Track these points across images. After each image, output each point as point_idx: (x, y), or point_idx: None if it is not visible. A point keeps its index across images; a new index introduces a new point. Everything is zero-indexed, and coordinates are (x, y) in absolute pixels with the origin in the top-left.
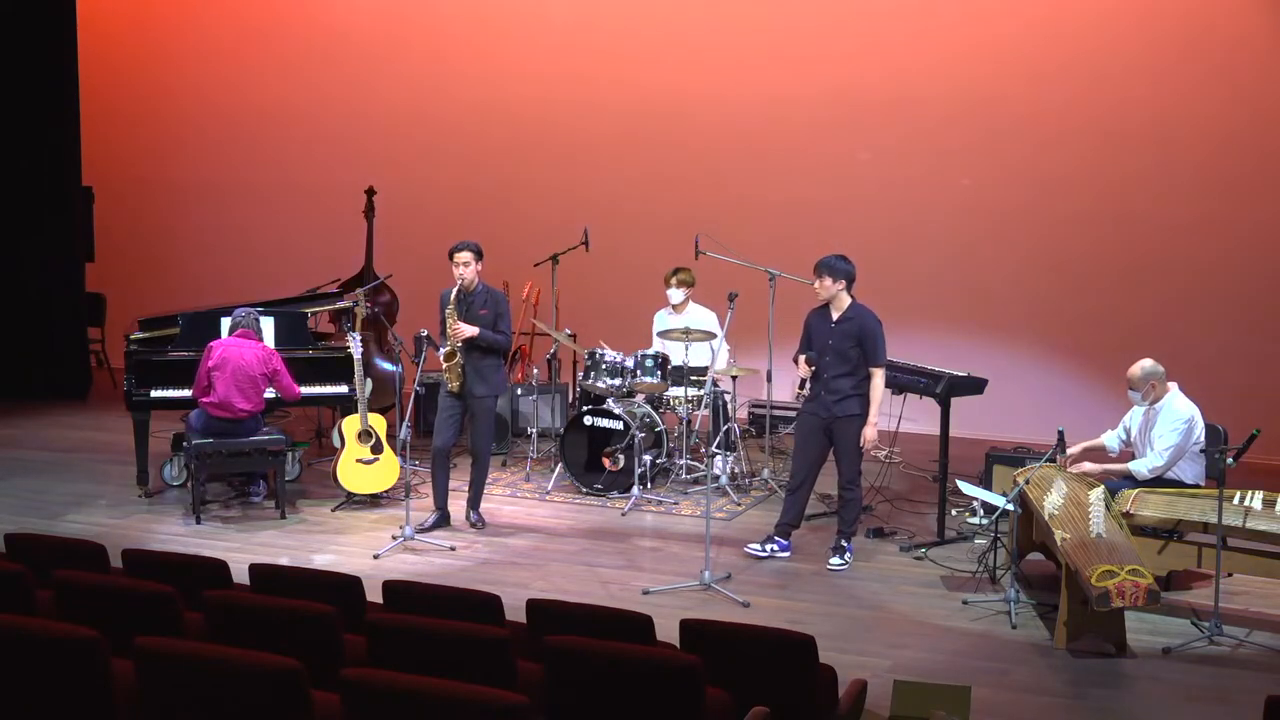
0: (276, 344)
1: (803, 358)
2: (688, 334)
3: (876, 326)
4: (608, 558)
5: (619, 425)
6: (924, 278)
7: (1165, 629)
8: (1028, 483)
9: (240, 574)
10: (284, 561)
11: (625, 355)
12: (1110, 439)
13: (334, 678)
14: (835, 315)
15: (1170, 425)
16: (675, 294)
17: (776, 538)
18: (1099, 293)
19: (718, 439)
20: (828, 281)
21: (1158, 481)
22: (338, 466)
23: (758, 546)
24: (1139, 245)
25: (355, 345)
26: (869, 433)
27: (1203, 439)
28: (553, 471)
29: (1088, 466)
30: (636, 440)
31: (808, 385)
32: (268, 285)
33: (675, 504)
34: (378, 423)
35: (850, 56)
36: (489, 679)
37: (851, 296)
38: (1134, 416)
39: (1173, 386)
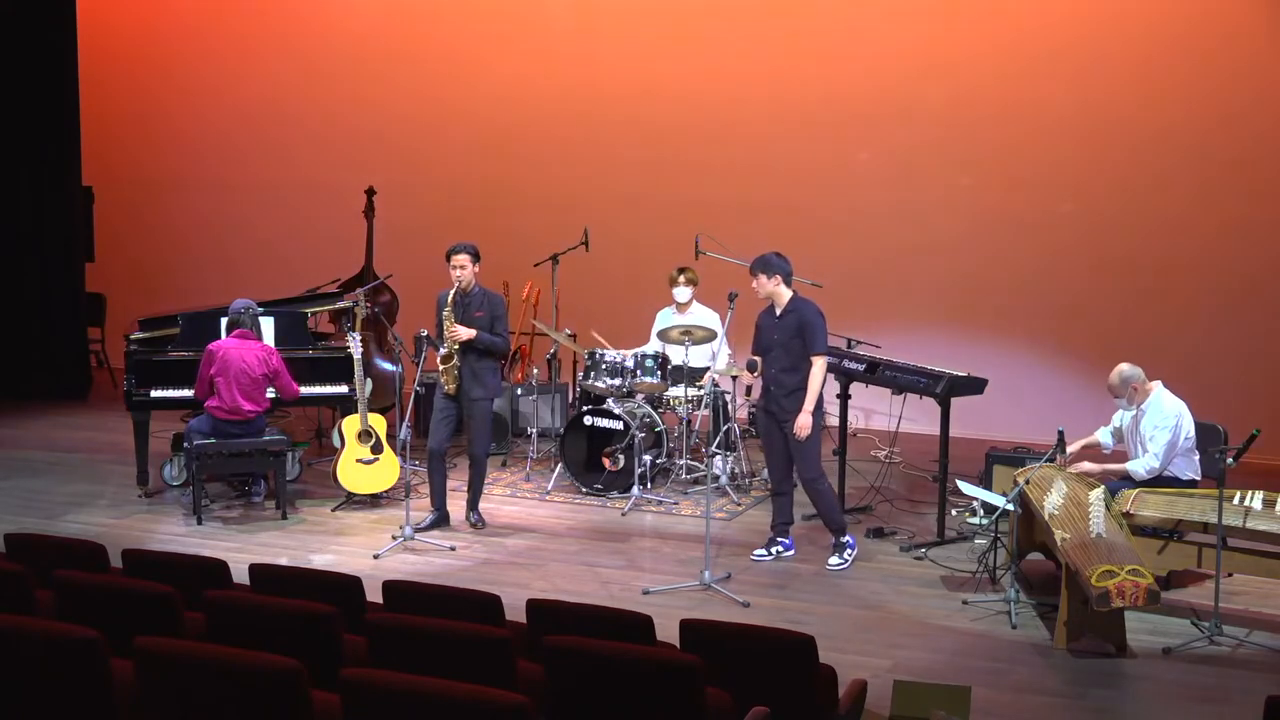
0: (276, 344)
1: (746, 368)
2: (688, 334)
3: (817, 317)
4: (608, 558)
5: (619, 425)
6: (924, 277)
7: (1165, 629)
8: (1028, 483)
9: (240, 574)
10: (284, 561)
11: (625, 355)
12: (1104, 434)
13: (334, 678)
14: (778, 311)
15: (1158, 423)
16: (682, 292)
17: (778, 538)
18: (1099, 292)
19: (718, 439)
20: (763, 278)
21: (1157, 481)
22: (338, 466)
23: (763, 551)
24: (1138, 245)
25: (355, 345)
26: (802, 419)
27: (1193, 433)
28: (553, 471)
29: (1087, 466)
30: (636, 440)
31: (753, 390)
32: (268, 285)
33: (675, 504)
34: (378, 423)
35: (850, 57)
36: (489, 679)
37: (793, 291)
38: (1123, 416)
39: (1157, 384)
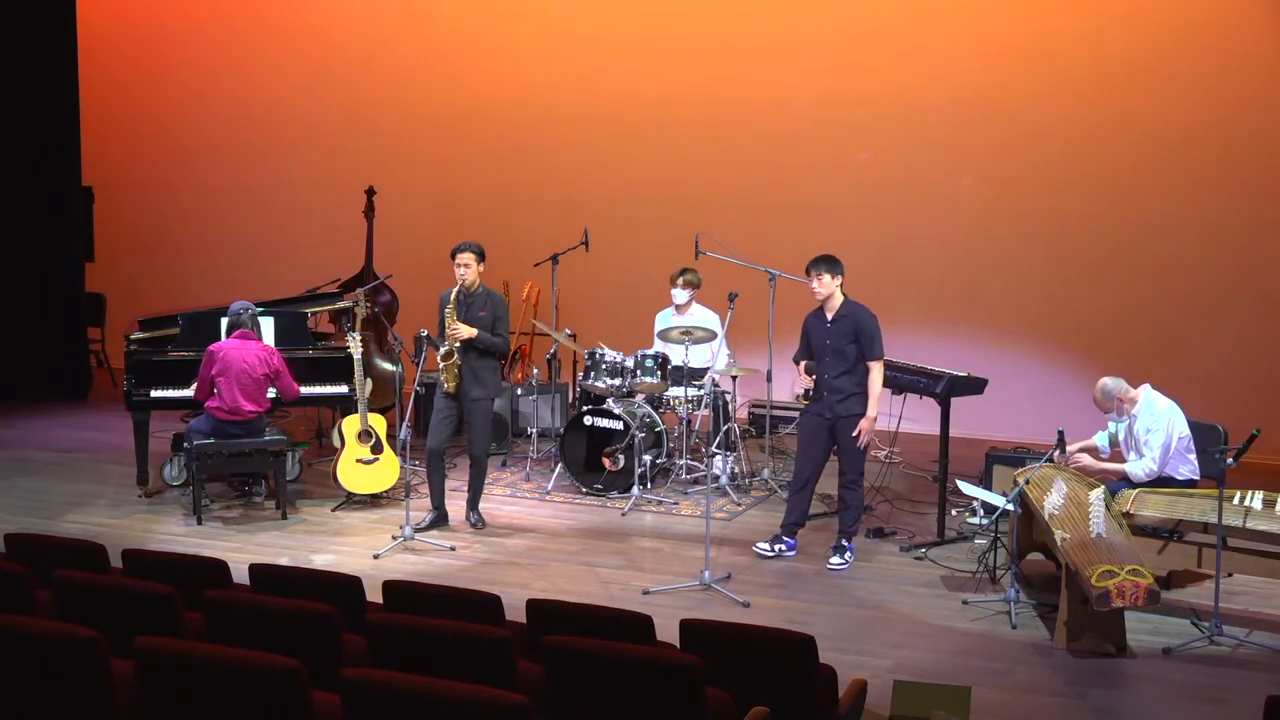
0: (276, 344)
1: (802, 365)
2: (688, 334)
3: (872, 321)
4: (608, 558)
5: (619, 425)
6: (924, 277)
7: (1165, 629)
8: (1028, 483)
9: (240, 574)
10: (284, 561)
11: (625, 355)
12: (1101, 438)
13: (334, 678)
14: (830, 315)
15: (1151, 425)
16: (680, 294)
17: (784, 537)
18: (1099, 293)
19: (718, 439)
20: (826, 278)
21: (1156, 481)
22: (338, 466)
23: (765, 546)
24: (1139, 245)
25: (355, 345)
26: (865, 424)
27: (1186, 433)
28: (553, 471)
29: (1086, 461)
30: (636, 440)
31: (810, 391)
32: (268, 285)
33: (675, 504)
34: (378, 423)
35: (850, 57)
36: (489, 679)
37: (844, 294)
38: (1117, 423)
39: (1145, 388)
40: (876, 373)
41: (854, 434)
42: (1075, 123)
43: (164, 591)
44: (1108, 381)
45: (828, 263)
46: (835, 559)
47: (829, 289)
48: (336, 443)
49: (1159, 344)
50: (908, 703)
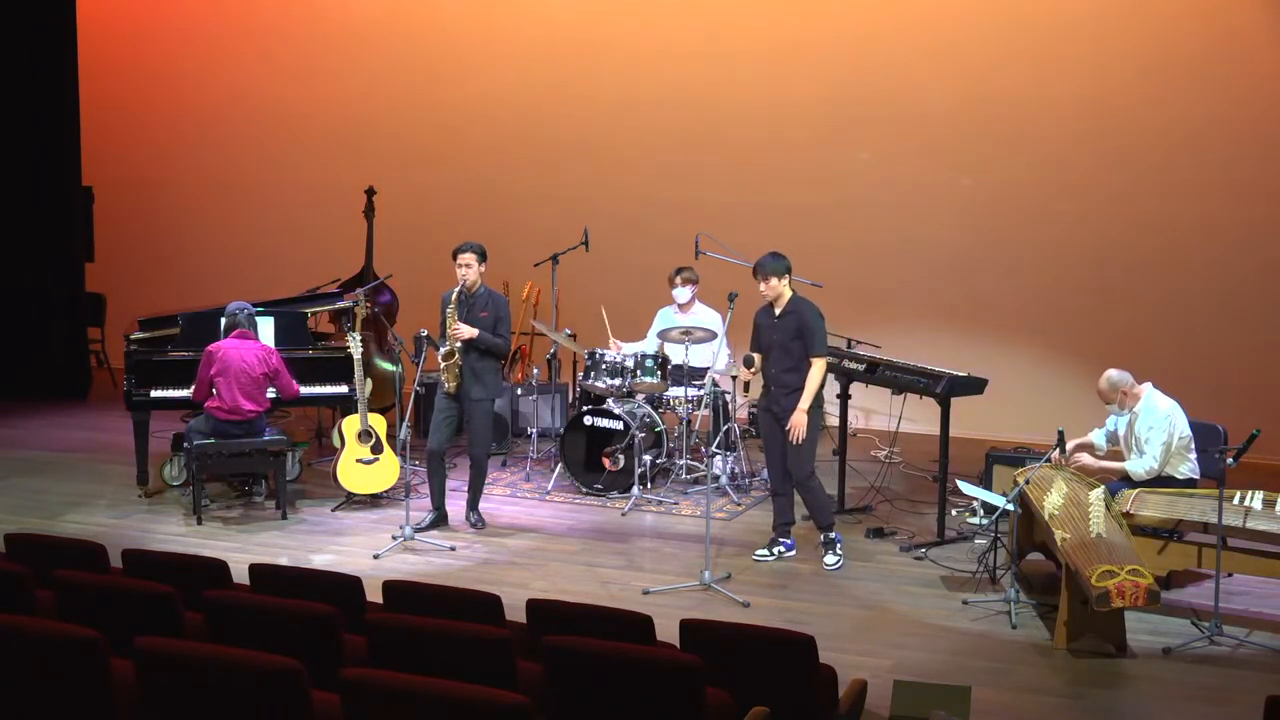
0: (276, 344)
1: (743, 364)
2: (688, 334)
3: (817, 319)
4: (608, 558)
5: (619, 425)
6: (924, 277)
7: (1165, 629)
8: (1028, 483)
9: (240, 574)
10: (284, 561)
11: (625, 355)
12: (1098, 436)
13: (334, 678)
14: (777, 310)
15: (1152, 425)
16: (682, 293)
17: (780, 539)
18: (1099, 293)
19: (718, 439)
20: (773, 281)
21: (1156, 481)
22: (338, 466)
23: (765, 551)
24: (1139, 245)
25: (355, 345)
26: (796, 418)
27: (1188, 432)
28: (553, 471)
29: (1086, 460)
30: (636, 440)
31: (751, 387)
32: (268, 285)
33: (675, 504)
34: (378, 423)
35: (850, 57)
36: (489, 679)
37: (793, 290)
38: (1117, 420)
39: (1147, 386)
40: (816, 369)
41: (803, 434)
42: (1078, 123)
43: (164, 591)
44: (1113, 373)
45: (772, 266)
46: (829, 558)
47: (776, 290)
48: (336, 443)
49: (1159, 343)
50: (908, 703)
